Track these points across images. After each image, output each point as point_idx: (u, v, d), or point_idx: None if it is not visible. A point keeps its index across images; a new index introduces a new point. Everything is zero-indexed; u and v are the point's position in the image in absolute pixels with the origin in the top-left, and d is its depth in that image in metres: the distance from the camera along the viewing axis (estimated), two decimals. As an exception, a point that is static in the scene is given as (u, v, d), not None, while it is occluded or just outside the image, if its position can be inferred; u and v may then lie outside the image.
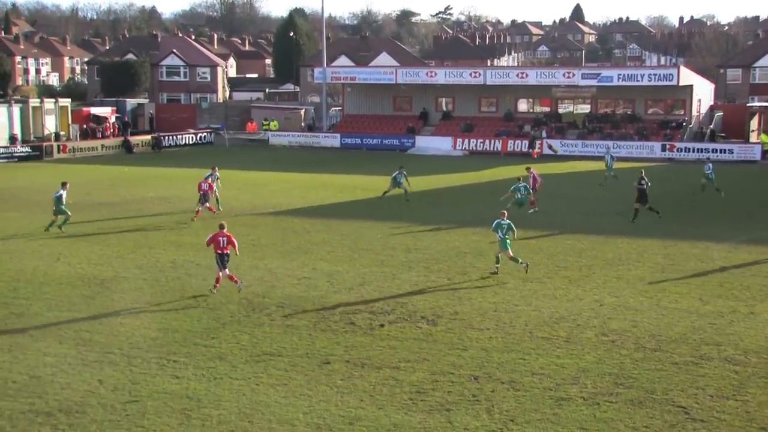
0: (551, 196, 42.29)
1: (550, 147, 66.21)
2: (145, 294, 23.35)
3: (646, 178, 34.99)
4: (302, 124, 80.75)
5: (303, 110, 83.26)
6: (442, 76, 74.34)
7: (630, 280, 25.08)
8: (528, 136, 67.35)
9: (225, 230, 23.73)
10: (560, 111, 73.56)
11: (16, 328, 20.24)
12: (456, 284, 24.56)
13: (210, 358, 18.13)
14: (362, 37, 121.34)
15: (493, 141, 68.28)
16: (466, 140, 69.18)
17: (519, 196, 35.59)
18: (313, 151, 69.82)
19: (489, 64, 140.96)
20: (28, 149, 62.76)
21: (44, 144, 64.36)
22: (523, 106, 75.03)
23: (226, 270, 23.43)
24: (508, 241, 25.40)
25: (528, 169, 37.56)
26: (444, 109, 76.35)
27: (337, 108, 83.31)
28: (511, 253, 25.46)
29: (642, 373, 17.28)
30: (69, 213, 32.81)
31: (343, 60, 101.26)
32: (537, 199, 37.19)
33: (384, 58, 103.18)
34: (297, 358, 18.11)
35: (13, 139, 64.68)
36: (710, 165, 43.85)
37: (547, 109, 74.13)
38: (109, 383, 16.61)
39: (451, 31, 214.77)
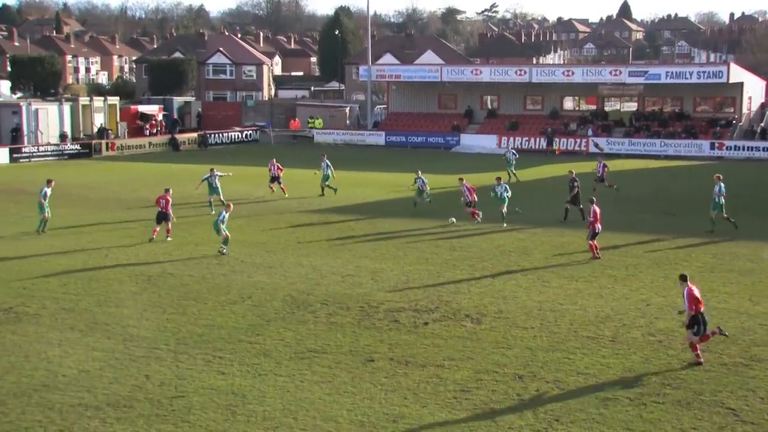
0: (598, 195, 41.91)
1: (596, 145, 65.68)
2: (191, 290, 23.56)
3: (577, 180, 34.73)
4: (347, 121, 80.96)
5: (348, 108, 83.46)
6: (487, 74, 74.02)
7: (677, 279, 24.71)
8: (545, 133, 67.25)
9: (168, 195, 30.75)
10: (606, 109, 72.89)
11: (66, 323, 20.55)
12: (500, 283, 24.44)
13: (255, 354, 18.24)
14: (407, 35, 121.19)
15: (538, 139, 67.84)
16: (511, 138, 68.83)
17: (419, 188, 37.24)
18: (357, 149, 69.93)
19: (535, 62, 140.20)
20: (77, 147, 63.71)
21: (93, 141, 65.27)
22: (568, 104, 74.52)
23: (167, 225, 30.47)
24: (221, 225, 27.85)
25: (460, 179, 35.55)
26: (489, 107, 76.11)
27: (382, 106, 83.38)
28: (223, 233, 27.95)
29: (690, 373, 17.06)
30: (48, 214, 32.15)
31: (388, 58, 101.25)
32: (476, 210, 34.25)
33: (429, 56, 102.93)
34: (341, 356, 18.16)
35: (63, 136, 65.68)
36: (513, 151, 49.48)
37: (593, 107, 73.53)
38: (155, 378, 16.79)
39: (496, 29, 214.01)
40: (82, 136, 67.79)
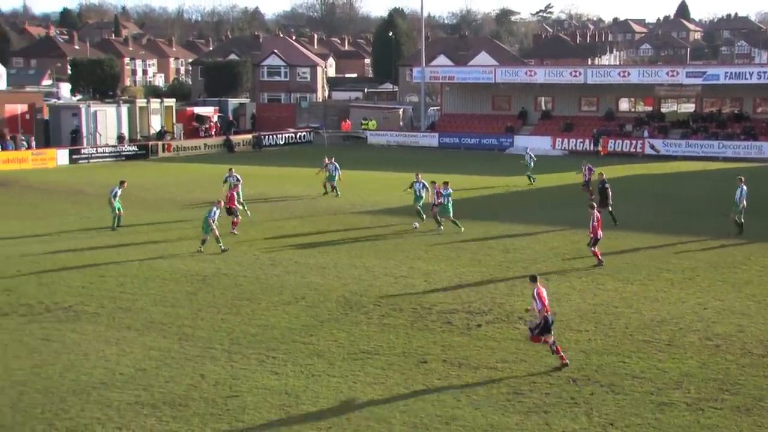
0: (653, 197, 41.44)
1: (652, 147, 64.86)
2: (245, 291, 23.77)
3: (607, 182, 33.92)
4: (400, 123, 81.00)
5: (401, 110, 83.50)
6: (541, 75, 73.56)
7: (736, 283, 24.34)
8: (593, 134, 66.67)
9: (234, 190, 33.57)
10: (663, 110, 71.87)
11: (123, 322, 20.87)
12: (554, 285, 24.23)
13: (308, 355, 18.34)
14: (461, 37, 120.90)
15: (591, 141, 67.11)
16: (566, 140, 68.27)
17: (416, 194, 34.76)
18: (411, 151, 69.91)
19: (590, 62, 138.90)
20: (135, 148, 64.66)
21: (150, 143, 66.19)
22: (624, 105, 73.61)
23: (233, 219, 31.89)
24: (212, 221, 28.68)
25: (433, 183, 34.80)
26: (543, 108, 75.53)
27: (436, 107, 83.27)
28: None
29: (749, 379, 16.75)
30: (118, 212, 33.52)
31: (441, 59, 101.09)
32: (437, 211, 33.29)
33: (483, 58, 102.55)
34: (394, 357, 18.17)
35: (121, 138, 66.71)
36: (530, 154, 47.70)
37: (649, 108, 72.56)
38: (210, 378, 16.97)
39: (551, 30, 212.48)
40: (138, 137, 68.79)
